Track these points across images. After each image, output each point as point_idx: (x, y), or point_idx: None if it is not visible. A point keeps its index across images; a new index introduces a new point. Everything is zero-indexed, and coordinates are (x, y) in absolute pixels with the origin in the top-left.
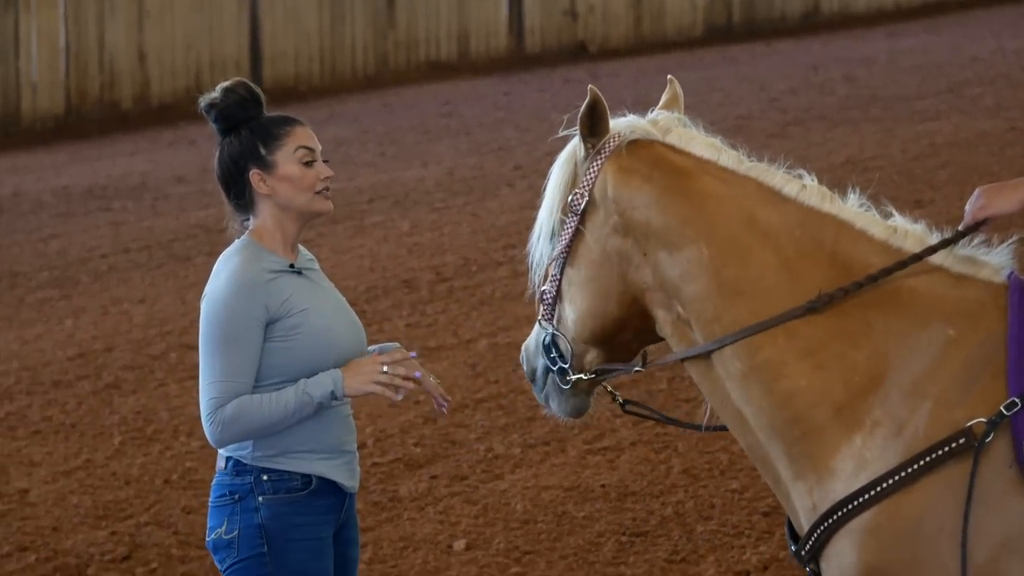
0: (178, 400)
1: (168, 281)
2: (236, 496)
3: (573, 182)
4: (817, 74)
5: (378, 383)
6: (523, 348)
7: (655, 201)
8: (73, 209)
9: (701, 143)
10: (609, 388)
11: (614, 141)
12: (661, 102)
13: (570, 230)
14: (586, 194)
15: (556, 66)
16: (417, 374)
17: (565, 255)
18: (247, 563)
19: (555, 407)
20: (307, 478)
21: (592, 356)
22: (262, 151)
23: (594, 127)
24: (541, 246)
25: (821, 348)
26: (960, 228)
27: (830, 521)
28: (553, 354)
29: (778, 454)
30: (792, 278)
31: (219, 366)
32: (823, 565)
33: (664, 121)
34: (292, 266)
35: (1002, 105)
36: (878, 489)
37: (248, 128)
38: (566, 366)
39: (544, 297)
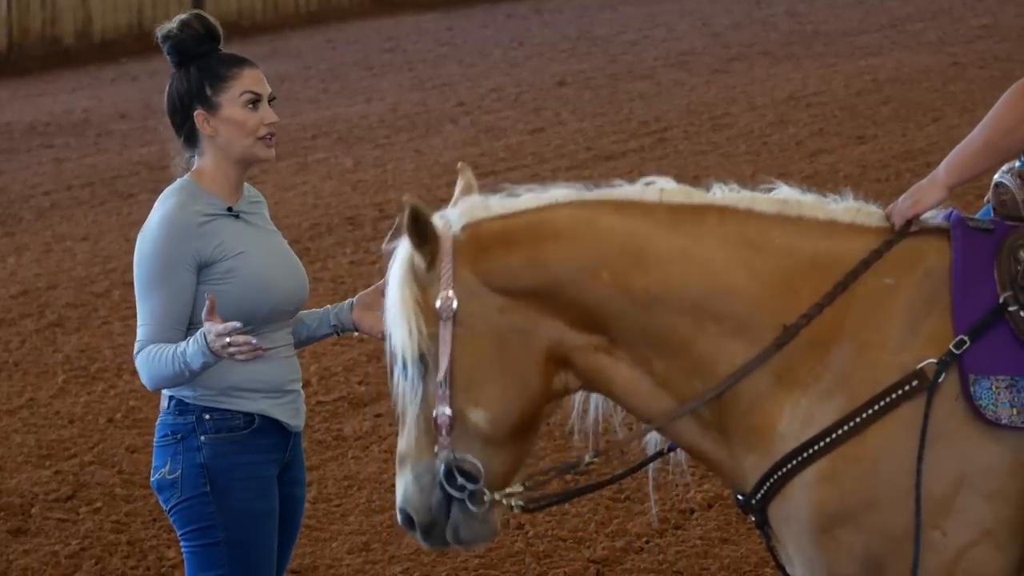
0: (122, 338)
1: (111, 218)
2: (178, 436)
3: (424, 295)
4: (760, 9)
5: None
6: (403, 505)
7: (535, 259)
8: (15, 146)
9: (526, 199)
10: (503, 500)
11: (449, 236)
12: (456, 193)
13: (448, 339)
14: (452, 296)
15: (499, 1)
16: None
17: (450, 367)
18: (190, 503)
19: (473, 536)
20: (250, 417)
21: (503, 460)
22: (208, 91)
23: (423, 236)
24: (411, 376)
25: None
26: (896, 230)
27: (782, 471)
28: (459, 481)
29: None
30: (782, 295)
31: (145, 309)
32: (773, 516)
33: (476, 200)
34: (230, 209)
35: (944, 40)
36: (831, 438)
37: (197, 66)
38: (479, 485)
39: (439, 422)
